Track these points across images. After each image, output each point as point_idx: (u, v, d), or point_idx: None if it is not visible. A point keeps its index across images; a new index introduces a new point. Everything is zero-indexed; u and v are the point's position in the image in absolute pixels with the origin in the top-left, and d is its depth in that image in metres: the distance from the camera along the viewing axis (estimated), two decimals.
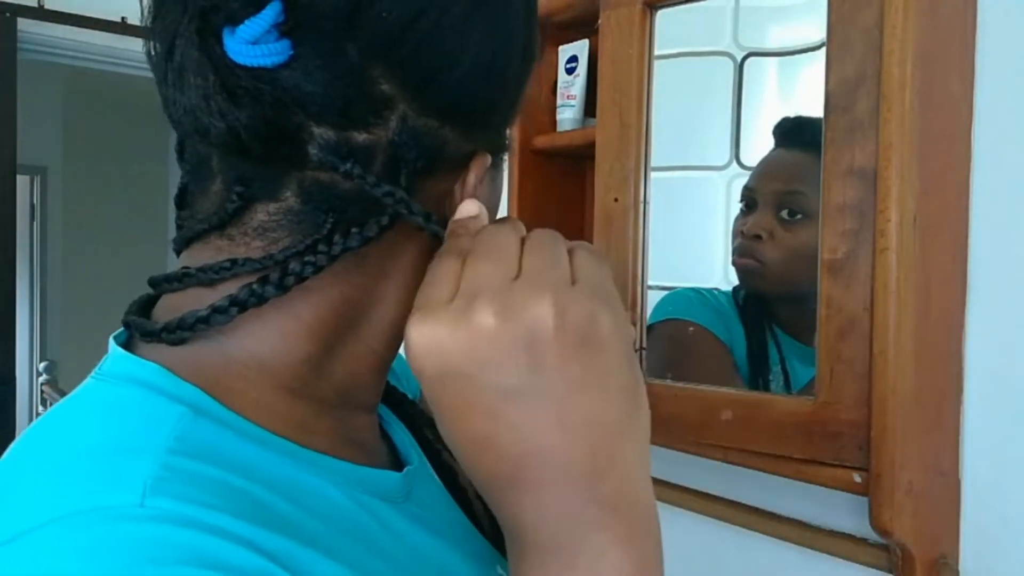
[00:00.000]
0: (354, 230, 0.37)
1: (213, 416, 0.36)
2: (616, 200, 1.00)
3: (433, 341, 0.33)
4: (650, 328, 1.02)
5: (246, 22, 0.33)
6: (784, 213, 0.93)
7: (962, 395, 0.84)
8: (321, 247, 0.37)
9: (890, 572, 0.84)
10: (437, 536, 0.43)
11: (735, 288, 1.00)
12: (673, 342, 1.02)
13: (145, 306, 0.42)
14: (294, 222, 0.37)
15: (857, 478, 0.79)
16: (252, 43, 0.33)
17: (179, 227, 0.42)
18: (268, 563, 0.30)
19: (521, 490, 0.34)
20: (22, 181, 4.42)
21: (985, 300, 0.83)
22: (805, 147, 0.91)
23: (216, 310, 0.37)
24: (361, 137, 0.37)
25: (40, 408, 4.22)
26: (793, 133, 0.94)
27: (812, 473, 0.83)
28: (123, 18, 2.31)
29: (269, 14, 0.33)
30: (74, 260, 4.84)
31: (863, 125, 0.78)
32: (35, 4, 2.19)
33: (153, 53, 0.37)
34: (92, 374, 0.39)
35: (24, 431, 0.37)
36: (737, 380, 0.98)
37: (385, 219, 0.38)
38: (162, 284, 0.40)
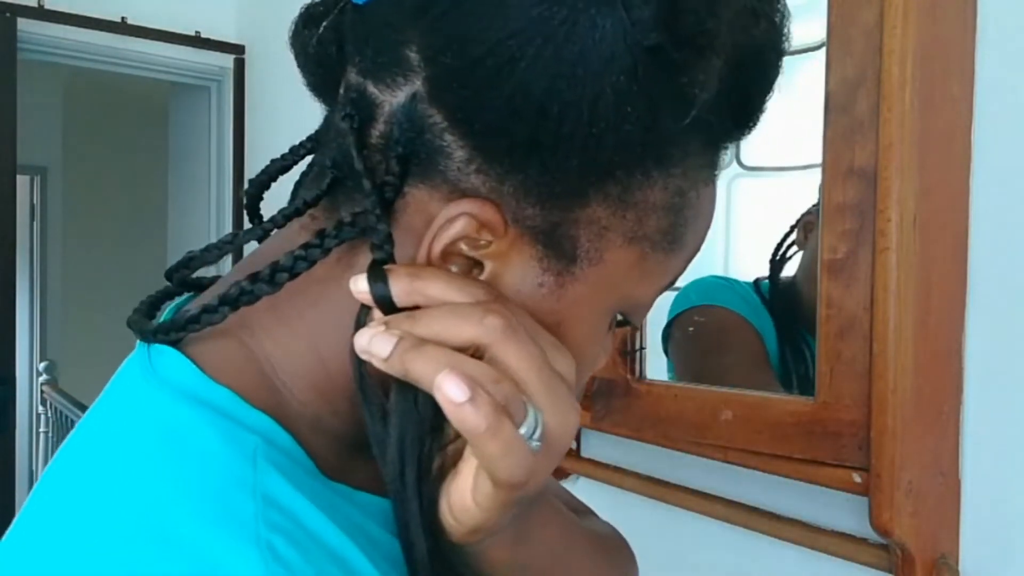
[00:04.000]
0: (345, 220, 0.34)
1: (280, 448, 0.34)
2: None
3: None
4: (674, 320, 1.01)
5: None
6: None
7: (962, 395, 0.84)
8: (313, 240, 0.34)
9: (890, 572, 0.84)
10: None
11: (756, 280, 0.99)
12: (704, 329, 0.99)
13: (153, 305, 0.39)
14: (315, 178, 0.37)
15: (857, 478, 0.79)
16: None
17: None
18: None
19: None
20: (22, 181, 4.42)
21: (985, 300, 0.83)
22: None
23: (206, 309, 0.34)
24: (371, 90, 0.34)
25: (40, 408, 4.21)
26: None
27: (812, 473, 0.83)
28: (123, 18, 2.31)
29: None
30: (74, 260, 4.85)
31: (863, 125, 0.78)
32: (35, 4, 2.19)
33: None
34: (143, 371, 0.35)
35: (72, 446, 0.35)
36: (770, 372, 0.96)
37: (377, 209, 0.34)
38: (173, 273, 0.39)
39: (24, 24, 2.18)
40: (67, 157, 4.83)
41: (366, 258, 0.34)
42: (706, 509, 1.04)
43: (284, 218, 0.36)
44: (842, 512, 0.90)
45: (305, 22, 0.37)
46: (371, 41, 0.34)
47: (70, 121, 4.82)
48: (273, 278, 0.34)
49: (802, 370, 0.96)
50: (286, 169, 0.39)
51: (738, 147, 1.00)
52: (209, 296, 0.37)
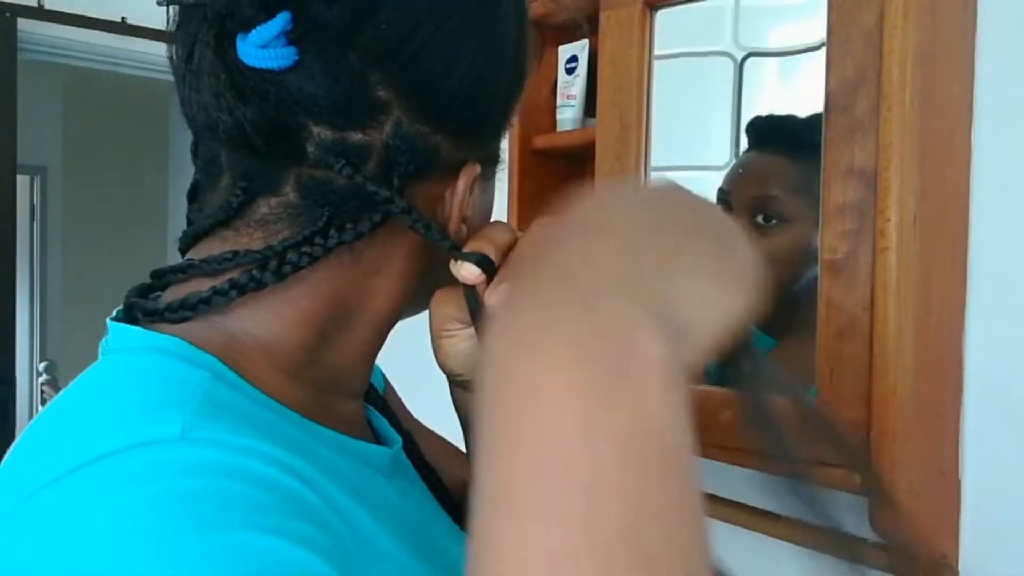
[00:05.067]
0: (348, 225, 0.40)
1: (230, 382, 0.38)
2: None
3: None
4: None
5: (257, 28, 0.36)
6: (759, 218, 0.92)
7: (962, 395, 0.84)
8: (317, 240, 0.40)
9: (890, 572, 0.84)
10: (420, 510, 0.46)
11: None
12: None
13: (143, 293, 0.44)
14: (293, 215, 0.40)
15: (857, 478, 0.79)
16: (261, 47, 0.37)
17: (189, 222, 0.44)
18: (300, 484, 0.32)
19: None
20: (22, 181, 4.42)
21: (985, 300, 0.83)
22: (780, 149, 0.92)
23: (217, 292, 0.39)
24: (356, 138, 0.40)
25: (40, 408, 4.20)
26: (768, 134, 0.94)
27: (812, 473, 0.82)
28: (123, 18, 2.31)
29: (279, 22, 0.37)
30: (74, 260, 4.84)
31: (863, 125, 0.78)
32: (35, 4, 2.19)
33: (174, 58, 0.40)
34: (103, 351, 0.40)
35: (50, 403, 0.38)
36: (702, 377, 0.97)
37: (378, 216, 0.41)
38: (167, 275, 0.43)
39: (24, 24, 2.18)
40: (67, 157, 4.83)
41: (357, 258, 0.42)
42: (706, 509, 1.04)
43: (286, 248, 0.40)
44: (842, 512, 0.90)
45: (234, 105, 0.38)
46: (339, 99, 0.39)
47: (70, 121, 4.82)
48: (280, 270, 0.39)
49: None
50: (224, 223, 0.42)
51: (738, 147, 1.01)
52: (176, 294, 0.41)
